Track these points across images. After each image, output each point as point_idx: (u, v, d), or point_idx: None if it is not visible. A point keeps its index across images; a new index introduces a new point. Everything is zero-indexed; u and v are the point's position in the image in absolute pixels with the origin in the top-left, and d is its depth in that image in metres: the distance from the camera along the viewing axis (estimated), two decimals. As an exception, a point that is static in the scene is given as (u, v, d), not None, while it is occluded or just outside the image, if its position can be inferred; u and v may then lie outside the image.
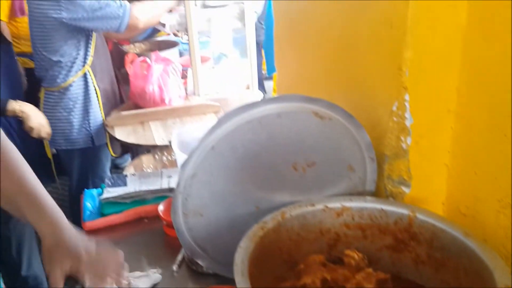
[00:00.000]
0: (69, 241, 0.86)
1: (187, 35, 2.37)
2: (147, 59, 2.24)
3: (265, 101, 0.86)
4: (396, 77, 0.91)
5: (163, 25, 2.47)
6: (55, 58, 2.07)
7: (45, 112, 2.10)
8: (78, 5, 1.95)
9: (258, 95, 2.62)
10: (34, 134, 2.01)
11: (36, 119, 1.99)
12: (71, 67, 2.10)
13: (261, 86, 5.56)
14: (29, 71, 2.30)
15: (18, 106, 1.94)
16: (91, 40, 2.12)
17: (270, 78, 5.72)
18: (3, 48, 2.04)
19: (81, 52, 2.10)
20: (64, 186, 2.49)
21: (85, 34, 2.09)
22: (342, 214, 0.90)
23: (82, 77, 2.13)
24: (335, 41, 1.12)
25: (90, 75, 2.14)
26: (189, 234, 0.91)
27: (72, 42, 2.06)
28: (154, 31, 2.99)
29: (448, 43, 0.89)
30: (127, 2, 2.09)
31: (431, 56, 0.89)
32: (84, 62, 2.12)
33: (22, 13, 2.57)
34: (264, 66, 5.38)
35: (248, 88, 2.60)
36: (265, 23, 4.75)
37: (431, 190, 0.98)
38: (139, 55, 2.48)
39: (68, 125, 2.15)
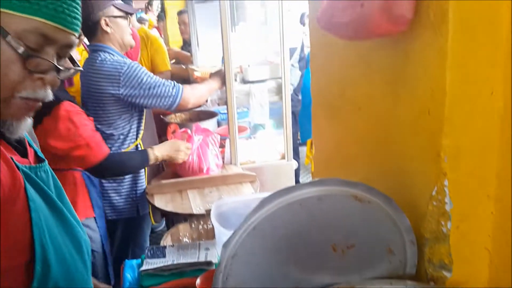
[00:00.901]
0: None
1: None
2: (188, 130, 2.34)
3: (306, 184, 0.89)
4: (435, 162, 0.93)
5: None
6: (108, 131, 2.17)
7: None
8: (136, 83, 2.07)
9: (293, 165, 2.66)
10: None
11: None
12: (124, 140, 2.20)
13: (296, 154, 5.63)
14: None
15: (157, 153, 2.12)
16: (143, 115, 2.23)
17: (303, 144, 5.80)
18: None
19: (134, 126, 2.21)
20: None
21: (138, 109, 2.20)
22: (383, 298, 0.90)
23: (133, 149, 2.22)
24: (372, 123, 1.16)
25: (141, 147, 2.23)
26: (229, 313, 0.92)
27: (125, 117, 2.17)
28: None
29: (486, 130, 0.91)
30: (180, 84, 2.21)
31: (469, 143, 0.91)
32: (137, 136, 2.23)
33: (70, 83, 2.74)
34: (299, 134, 5.46)
35: (283, 157, 2.64)
36: (302, 93, 4.87)
37: (473, 275, 0.97)
38: (180, 125, 2.59)
39: (117, 195, 2.21)
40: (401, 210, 0.96)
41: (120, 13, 2.11)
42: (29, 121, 0.89)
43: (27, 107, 0.84)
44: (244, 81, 2.52)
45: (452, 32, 0.84)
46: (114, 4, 2.10)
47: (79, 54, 3.12)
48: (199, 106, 2.57)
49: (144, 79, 2.07)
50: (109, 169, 1.95)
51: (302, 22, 5.29)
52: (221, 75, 2.40)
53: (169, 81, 2.17)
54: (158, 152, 2.12)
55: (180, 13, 4.13)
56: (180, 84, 2.20)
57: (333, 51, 1.31)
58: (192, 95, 2.25)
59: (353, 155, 1.30)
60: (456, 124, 0.89)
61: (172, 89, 2.16)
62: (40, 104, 0.87)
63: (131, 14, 2.21)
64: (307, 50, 5.80)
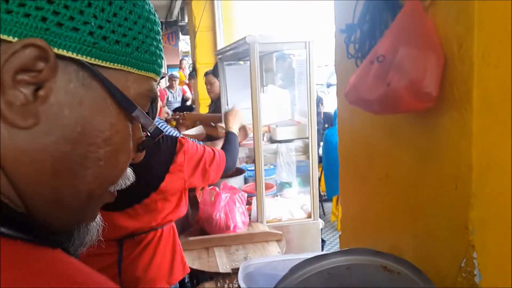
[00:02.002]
0: None
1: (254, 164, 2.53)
2: (216, 188, 2.39)
3: (335, 253, 0.91)
4: (463, 235, 0.94)
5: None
6: None
7: None
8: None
9: (319, 224, 2.66)
10: None
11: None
12: None
13: (320, 209, 5.59)
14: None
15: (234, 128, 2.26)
16: None
17: (329, 200, 5.77)
18: None
19: None
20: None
21: None
22: None
23: None
24: (400, 192, 1.18)
25: None
26: None
27: None
28: None
29: (514, 203, 0.93)
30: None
31: (496, 216, 0.93)
32: None
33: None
34: (323, 188, 5.44)
35: (309, 216, 2.65)
36: (327, 149, 4.91)
37: None
38: (207, 181, 2.64)
39: None
40: (431, 281, 0.96)
41: None
42: None
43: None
44: (272, 141, 2.59)
45: (476, 110, 0.88)
46: None
47: None
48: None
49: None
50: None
51: (328, 85, 5.42)
52: (242, 130, 2.53)
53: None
54: (235, 127, 2.22)
55: (206, 73, 4.32)
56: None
57: (360, 119, 1.36)
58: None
59: (381, 222, 1.32)
60: (483, 198, 0.91)
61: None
62: None
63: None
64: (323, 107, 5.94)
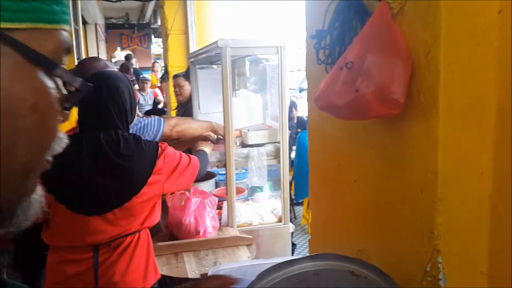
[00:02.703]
0: None
1: (225, 168, 2.51)
2: (186, 192, 2.36)
3: (303, 258, 0.91)
4: (429, 239, 0.95)
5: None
6: None
7: None
8: None
9: (289, 228, 2.66)
10: None
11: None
12: None
13: (291, 212, 5.61)
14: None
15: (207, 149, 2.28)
16: None
17: (300, 203, 5.80)
18: None
19: None
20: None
21: None
22: None
23: None
24: (368, 197, 1.19)
25: None
26: None
27: None
28: None
29: (477, 209, 0.95)
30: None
31: (461, 221, 0.95)
32: None
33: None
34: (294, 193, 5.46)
35: (280, 220, 2.65)
36: (299, 153, 4.95)
37: None
38: (178, 185, 2.61)
39: None
40: (397, 285, 0.97)
41: None
42: None
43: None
44: (243, 145, 2.58)
45: (442, 117, 0.90)
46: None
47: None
48: (187, 137, 2.62)
49: None
50: None
51: (300, 90, 5.47)
52: (216, 126, 2.54)
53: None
54: (207, 148, 2.24)
55: (175, 76, 4.24)
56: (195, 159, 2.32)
57: (330, 125, 1.37)
58: (177, 123, 2.39)
59: (349, 226, 1.33)
60: (449, 203, 0.93)
61: (155, 121, 2.29)
62: None
63: None
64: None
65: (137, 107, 1.87)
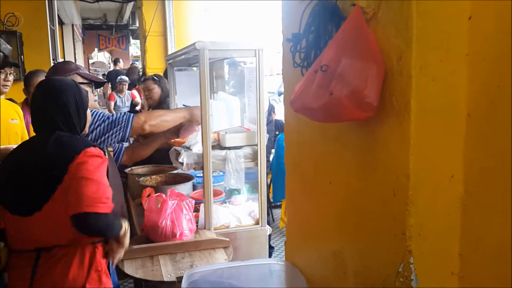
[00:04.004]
0: None
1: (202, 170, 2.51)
2: (163, 195, 2.34)
3: None
4: (401, 240, 0.97)
5: (181, 163, 2.62)
6: None
7: None
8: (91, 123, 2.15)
9: (266, 230, 2.66)
10: None
11: None
12: None
13: (269, 215, 5.62)
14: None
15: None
16: None
17: (278, 206, 5.81)
18: None
19: None
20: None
21: None
22: None
23: None
24: (343, 198, 1.20)
25: None
26: None
27: None
28: None
29: (448, 210, 0.97)
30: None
31: (432, 223, 0.97)
32: None
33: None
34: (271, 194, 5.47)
35: (257, 223, 2.65)
36: (278, 155, 4.97)
37: None
38: (155, 188, 2.59)
39: None
40: None
41: (84, 80, 2.27)
42: None
43: None
44: (221, 147, 2.57)
45: (414, 120, 0.92)
46: (78, 73, 2.28)
47: None
48: (162, 129, 2.57)
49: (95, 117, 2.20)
50: None
51: (279, 94, 5.49)
52: (193, 109, 2.53)
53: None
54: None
55: (144, 80, 4.10)
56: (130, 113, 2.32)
57: (306, 127, 1.38)
58: (148, 117, 2.35)
59: (324, 229, 1.34)
60: (420, 205, 0.94)
61: (123, 116, 2.27)
62: None
63: (93, 82, 2.34)
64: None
65: (88, 109, 1.82)
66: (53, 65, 2.52)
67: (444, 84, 0.92)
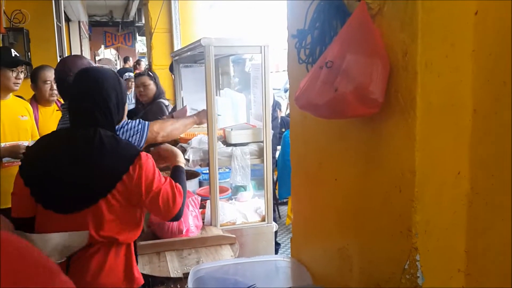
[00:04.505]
0: None
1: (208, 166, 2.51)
2: (169, 191, 2.35)
3: None
4: (407, 237, 0.97)
5: (187, 160, 2.62)
6: None
7: None
8: None
9: (273, 227, 2.67)
10: None
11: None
12: None
13: (275, 212, 5.63)
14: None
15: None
16: None
17: (284, 203, 5.81)
18: None
19: None
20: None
21: None
22: None
23: None
24: (348, 195, 1.20)
25: None
26: None
27: None
28: None
29: (454, 207, 0.97)
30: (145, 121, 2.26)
31: (438, 219, 0.96)
32: None
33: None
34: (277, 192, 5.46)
35: (263, 219, 2.66)
36: (284, 152, 4.97)
37: None
38: (161, 184, 2.60)
39: None
40: None
41: None
42: None
43: None
44: (227, 144, 2.58)
45: (419, 116, 0.91)
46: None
47: (53, 113, 3.19)
48: (173, 138, 2.55)
49: None
50: None
51: (285, 90, 5.47)
52: (200, 113, 2.52)
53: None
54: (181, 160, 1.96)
55: (137, 75, 3.91)
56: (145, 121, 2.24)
57: (311, 124, 1.37)
58: (161, 128, 2.28)
59: (330, 225, 1.34)
60: (426, 202, 0.94)
61: (138, 125, 2.19)
62: None
63: None
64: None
65: (126, 105, 1.80)
66: (62, 59, 2.51)
67: (449, 79, 0.92)
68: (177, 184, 1.68)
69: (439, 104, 0.92)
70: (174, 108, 3.63)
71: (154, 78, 3.79)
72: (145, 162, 1.57)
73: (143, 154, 1.60)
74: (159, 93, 3.75)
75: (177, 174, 1.84)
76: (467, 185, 0.96)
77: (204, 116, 2.48)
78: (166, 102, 3.70)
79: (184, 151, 2.70)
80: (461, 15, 0.90)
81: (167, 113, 3.39)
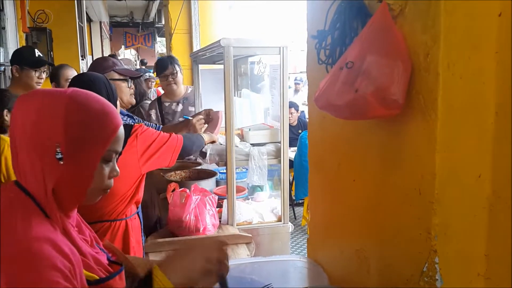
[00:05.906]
0: None
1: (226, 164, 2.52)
2: (187, 190, 2.37)
3: None
4: (426, 240, 0.96)
5: (204, 154, 2.64)
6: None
7: None
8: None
9: (289, 227, 2.67)
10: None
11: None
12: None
13: (291, 213, 5.62)
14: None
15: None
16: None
17: (300, 204, 5.81)
18: None
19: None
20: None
21: None
22: None
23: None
24: (366, 196, 1.20)
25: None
26: None
27: None
28: None
29: (474, 210, 0.96)
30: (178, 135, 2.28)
31: (458, 222, 0.95)
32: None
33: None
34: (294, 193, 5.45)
35: (279, 220, 2.66)
36: (301, 152, 4.97)
37: None
38: (179, 183, 2.62)
39: None
40: None
41: (120, 77, 2.32)
42: None
43: None
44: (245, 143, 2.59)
45: (441, 118, 0.91)
46: (114, 70, 2.32)
47: None
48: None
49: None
50: None
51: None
52: (190, 121, 2.59)
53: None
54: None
55: (163, 65, 3.50)
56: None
57: (330, 125, 1.37)
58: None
59: (347, 227, 1.34)
60: (446, 204, 0.93)
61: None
62: None
63: (130, 77, 2.36)
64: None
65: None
66: (94, 61, 2.60)
67: (472, 81, 0.91)
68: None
69: (461, 106, 0.92)
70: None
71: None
72: (140, 131, 1.83)
73: (136, 125, 1.87)
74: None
75: (191, 137, 2.21)
76: (488, 188, 0.95)
77: (193, 123, 2.55)
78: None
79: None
80: (484, 16, 0.89)
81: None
